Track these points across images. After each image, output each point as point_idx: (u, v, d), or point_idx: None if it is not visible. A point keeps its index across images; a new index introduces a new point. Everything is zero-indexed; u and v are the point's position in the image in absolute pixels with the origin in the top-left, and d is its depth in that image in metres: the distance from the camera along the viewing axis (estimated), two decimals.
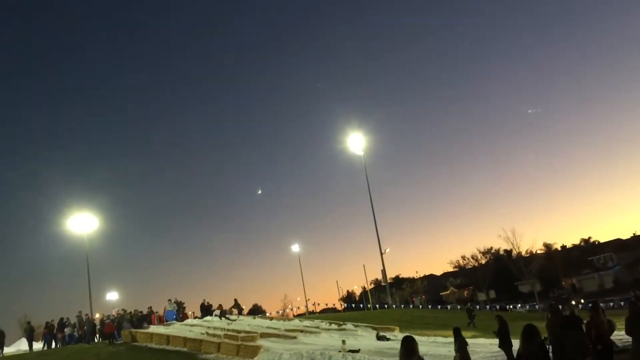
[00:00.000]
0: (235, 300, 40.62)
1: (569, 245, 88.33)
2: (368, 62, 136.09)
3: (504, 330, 16.40)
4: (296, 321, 37.03)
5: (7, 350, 31.58)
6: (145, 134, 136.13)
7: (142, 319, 34.06)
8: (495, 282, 75.16)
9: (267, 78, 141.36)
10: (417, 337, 21.74)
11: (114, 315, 34.22)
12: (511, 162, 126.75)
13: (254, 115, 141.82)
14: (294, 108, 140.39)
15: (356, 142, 52.63)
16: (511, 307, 52.78)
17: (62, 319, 32.60)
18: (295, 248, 68.77)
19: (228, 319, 35.71)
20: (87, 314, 33.90)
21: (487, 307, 54.45)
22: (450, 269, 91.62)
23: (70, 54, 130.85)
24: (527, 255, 73.19)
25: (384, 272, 52.46)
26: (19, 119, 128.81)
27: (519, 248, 69.77)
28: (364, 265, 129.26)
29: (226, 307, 40.44)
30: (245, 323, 33.50)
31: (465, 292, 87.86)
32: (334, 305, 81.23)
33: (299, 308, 68.02)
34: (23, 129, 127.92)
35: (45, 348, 30.80)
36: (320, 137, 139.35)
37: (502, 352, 16.28)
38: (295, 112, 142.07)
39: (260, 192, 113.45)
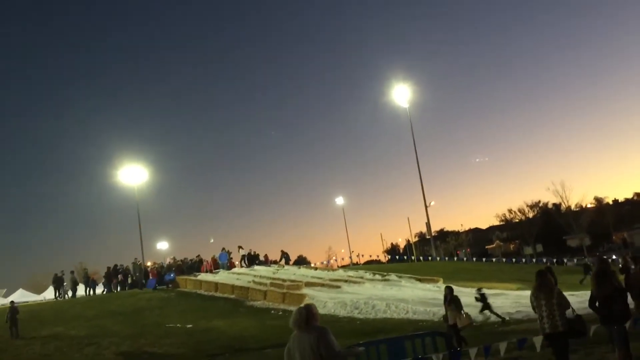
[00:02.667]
0: (282, 251, 41.62)
1: (621, 199, 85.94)
2: (412, 11, 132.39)
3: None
4: (340, 271, 37.57)
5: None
6: (196, 87, 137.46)
7: (192, 267, 35.27)
8: (543, 236, 74.04)
9: (312, 28, 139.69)
10: (459, 288, 21.71)
11: (168, 263, 35.66)
12: (561, 114, 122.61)
13: (298, 69, 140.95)
14: (338, 60, 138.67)
15: (401, 94, 51.81)
16: (556, 261, 51.95)
17: (115, 265, 34.10)
18: (340, 201, 69.16)
19: (247, 265, 36.72)
20: (140, 261, 35.28)
21: (534, 260, 53.86)
22: (497, 223, 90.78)
23: (125, 8, 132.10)
24: (577, 209, 71.74)
25: (428, 224, 52.31)
26: (74, 71, 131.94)
27: (568, 202, 68.62)
28: (408, 218, 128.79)
29: (272, 257, 41.45)
30: (291, 272, 34.21)
31: (512, 246, 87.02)
32: (377, 257, 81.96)
33: (343, 259, 68.75)
34: (77, 82, 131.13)
35: (92, 293, 32.60)
36: (365, 89, 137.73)
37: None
38: (339, 64, 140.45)
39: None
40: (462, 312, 13.05)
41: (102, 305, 25.58)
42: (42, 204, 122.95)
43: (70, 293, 32.46)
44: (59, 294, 32.44)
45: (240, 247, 38.57)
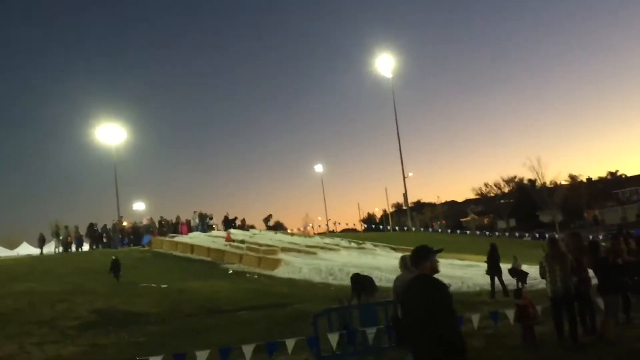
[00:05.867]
0: (270, 215, 42.91)
1: (594, 177, 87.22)
2: None
3: (493, 257, 16.50)
4: (317, 238, 37.81)
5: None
6: (176, 47, 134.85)
7: (169, 228, 35.09)
8: (517, 211, 75.11)
9: None
10: None
11: (144, 223, 35.41)
12: (541, 91, 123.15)
13: (280, 34, 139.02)
14: (322, 27, 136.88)
15: (385, 63, 51.60)
16: (529, 235, 52.85)
17: (91, 224, 33.79)
18: (319, 168, 69.31)
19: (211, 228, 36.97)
20: (114, 222, 35.02)
21: (507, 234, 54.71)
22: (473, 196, 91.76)
23: None
24: (551, 185, 72.71)
25: (405, 195, 53.00)
26: (50, 25, 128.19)
27: (543, 178, 69.44)
28: (385, 188, 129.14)
29: (249, 222, 41.71)
30: (267, 237, 34.32)
31: (486, 220, 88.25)
32: (354, 225, 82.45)
33: (319, 227, 69.31)
34: (53, 36, 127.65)
35: (75, 250, 32.22)
36: (349, 57, 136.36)
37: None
38: (323, 31, 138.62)
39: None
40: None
41: (76, 262, 25.41)
42: (18, 161, 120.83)
43: (60, 249, 32.08)
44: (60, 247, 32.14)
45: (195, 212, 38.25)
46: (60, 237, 32.48)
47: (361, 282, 10.12)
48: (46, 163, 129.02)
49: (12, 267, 24.45)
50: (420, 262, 4.40)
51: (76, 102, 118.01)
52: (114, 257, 21.94)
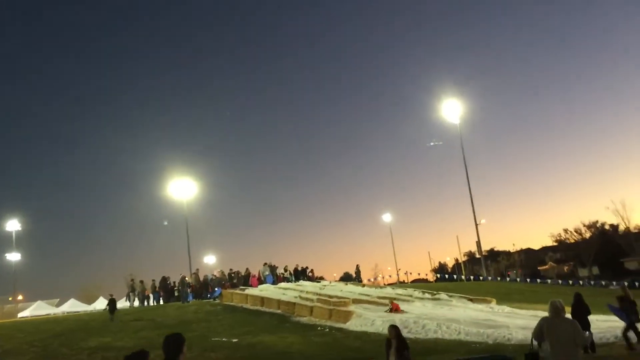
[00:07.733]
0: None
1: None
2: (464, 27, 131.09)
3: (580, 309, 14.84)
4: (388, 289, 36.74)
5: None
6: (244, 104, 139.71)
7: (239, 280, 35.15)
8: (599, 257, 71.09)
9: (360, 43, 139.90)
10: (515, 310, 20.76)
11: (215, 276, 35.75)
12: (623, 129, 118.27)
13: (345, 83, 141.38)
14: (388, 74, 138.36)
15: (452, 109, 50.96)
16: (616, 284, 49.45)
17: (163, 277, 34.34)
18: (387, 217, 68.30)
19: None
20: (184, 276, 35.42)
21: (592, 282, 51.56)
22: (550, 243, 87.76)
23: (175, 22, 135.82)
24: (637, 230, 68.61)
25: (478, 243, 50.98)
26: (127, 89, 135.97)
27: (628, 222, 65.71)
28: (457, 237, 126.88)
29: (318, 273, 41.36)
30: (337, 289, 33.62)
31: (566, 268, 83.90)
32: (425, 275, 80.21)
33: (390, 277, 67.85)
34: (130, 100, 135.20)
35: (143, 304, 32.80)
36: (415, 103, 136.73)
37: None
38: (389, 78, 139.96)
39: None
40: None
41: (149, 316, 25.60)
42: (93, 216, 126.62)
43: (136, 302, 32.91)
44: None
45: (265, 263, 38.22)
46: (137, 292, 33.24)
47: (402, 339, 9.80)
48: (120, 218, 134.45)
49: (87, 322, 24.89)
50: None
51: (150, 158, 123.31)
52: (110, 296, 26.37)
